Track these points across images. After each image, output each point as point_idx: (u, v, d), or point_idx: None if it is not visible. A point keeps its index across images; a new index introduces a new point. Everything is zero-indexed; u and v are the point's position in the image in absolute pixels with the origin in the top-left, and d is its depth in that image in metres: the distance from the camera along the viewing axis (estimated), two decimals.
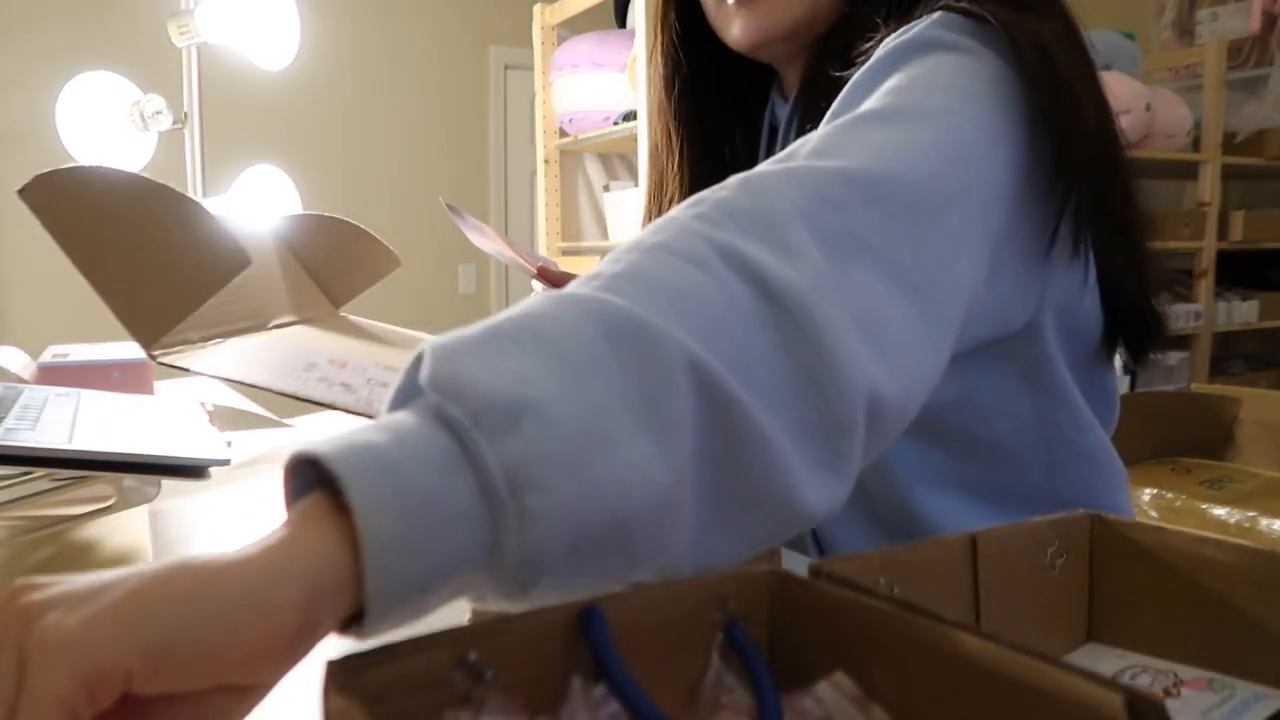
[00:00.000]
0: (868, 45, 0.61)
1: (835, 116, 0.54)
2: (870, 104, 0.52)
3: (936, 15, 0.57)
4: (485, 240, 0.84)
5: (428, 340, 0.34)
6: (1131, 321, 0.67)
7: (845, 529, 0.72)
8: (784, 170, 0.45)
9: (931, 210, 0.47)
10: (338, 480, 0.29)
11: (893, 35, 0.58)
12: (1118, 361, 0.72)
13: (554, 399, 0.32)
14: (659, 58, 0.83)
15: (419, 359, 0.33)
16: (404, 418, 0.32)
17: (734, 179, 0.45)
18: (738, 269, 0.39)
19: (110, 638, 0.26)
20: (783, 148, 0.77)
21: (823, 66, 0.68)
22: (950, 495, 0.68)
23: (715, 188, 0.44)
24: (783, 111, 0.79)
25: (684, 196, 0.82)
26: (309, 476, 0.31)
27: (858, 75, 0.57)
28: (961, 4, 0.57)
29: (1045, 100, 0.55)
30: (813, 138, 0.49)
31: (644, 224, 0.90)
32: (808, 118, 0.70)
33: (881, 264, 0.44)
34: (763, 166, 0.47)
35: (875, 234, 0.44)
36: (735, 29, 0.73)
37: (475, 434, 0.31)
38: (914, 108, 0.51)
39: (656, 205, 0.87)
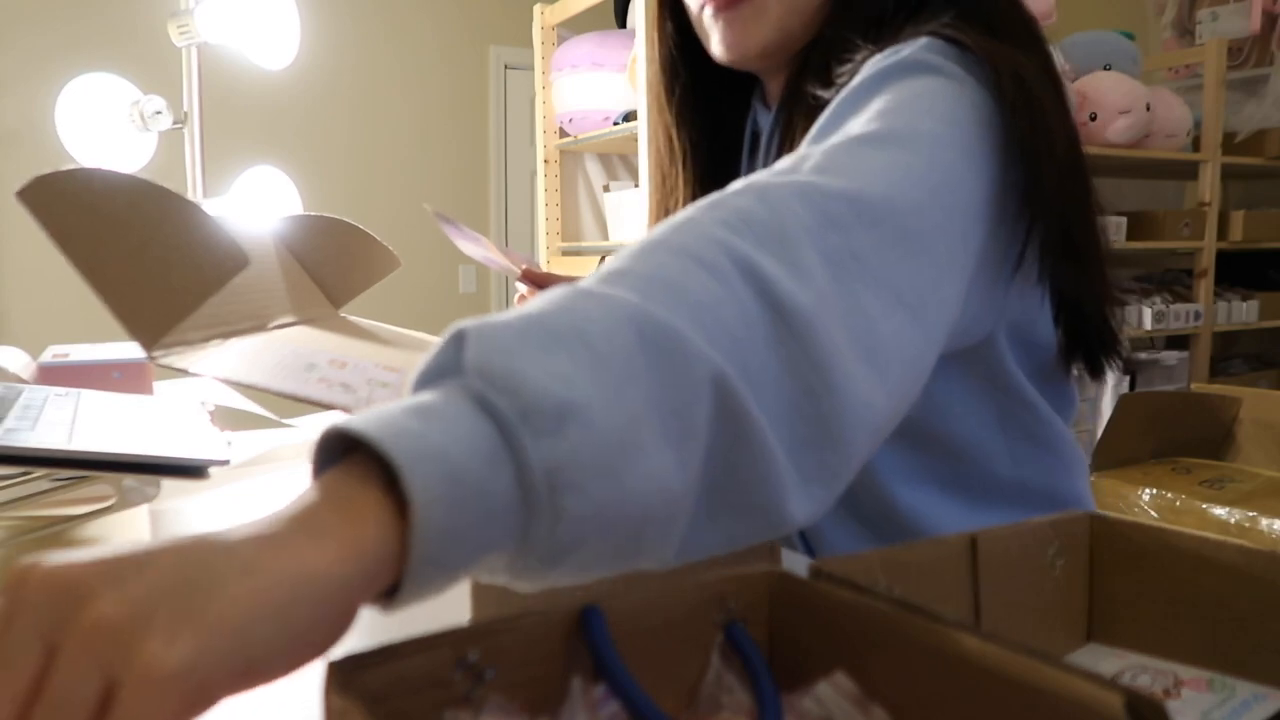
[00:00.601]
0: (847, 66, 0.63)
1: (825, 132, 0.56)
2: (864, 125, 0.53)
3: (924, 40, 0.59)
4: (473, 246, 0.84)
5: (463, 323, 0.35)
6: (1088, 340, 0.69)
7: (830, 523, 0.75)
8: (793, 185, 0.47)
9: (922, 235, 0.49)
10: (394, 469, 0.30)
11: (880, 56, 0.60)
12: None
13: (595, 405, 0.34)
14: (657, 64, 0.85)
15: (457, 338, 0.34)
16: (446, 402, 0.32)
17: (749, 186, 0.46)
18: (752, 283, 0.41)
19: (219, 662, 0.27)
20: (765, 155, 0.80)
21: (801, 83, 0.70)
22: (926, 491, 0.71)
23: (732, 192, 0.46)
24: (765, 120, 0.82)
25: (690, 196, 0.85)
26: (341, 446, 0.32)
27: (845, 93, 0.58)
28: (947, 31, 0.60)
29: (1021, 128, 0.57)
30: (813, 154, 0.51)
31: (651, 223, 0.92)
32: (788, 132, 0.72)
33: (880, 285, 0.46)
34: (771, 176, 0.48)
35: (874, 256, 0.46)
36: (715, 44, 0.76)
37: (522, 431, 0.32)
38: (904, 132, 0.52)
39: (663, 206, 0.89)
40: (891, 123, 0.53)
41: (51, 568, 0.28)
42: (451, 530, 0.30)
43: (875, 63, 0.59)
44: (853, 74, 0.61)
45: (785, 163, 0.50)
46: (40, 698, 0.26)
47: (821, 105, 0.61)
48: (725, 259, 0.41)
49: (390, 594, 0.31)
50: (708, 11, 0.75)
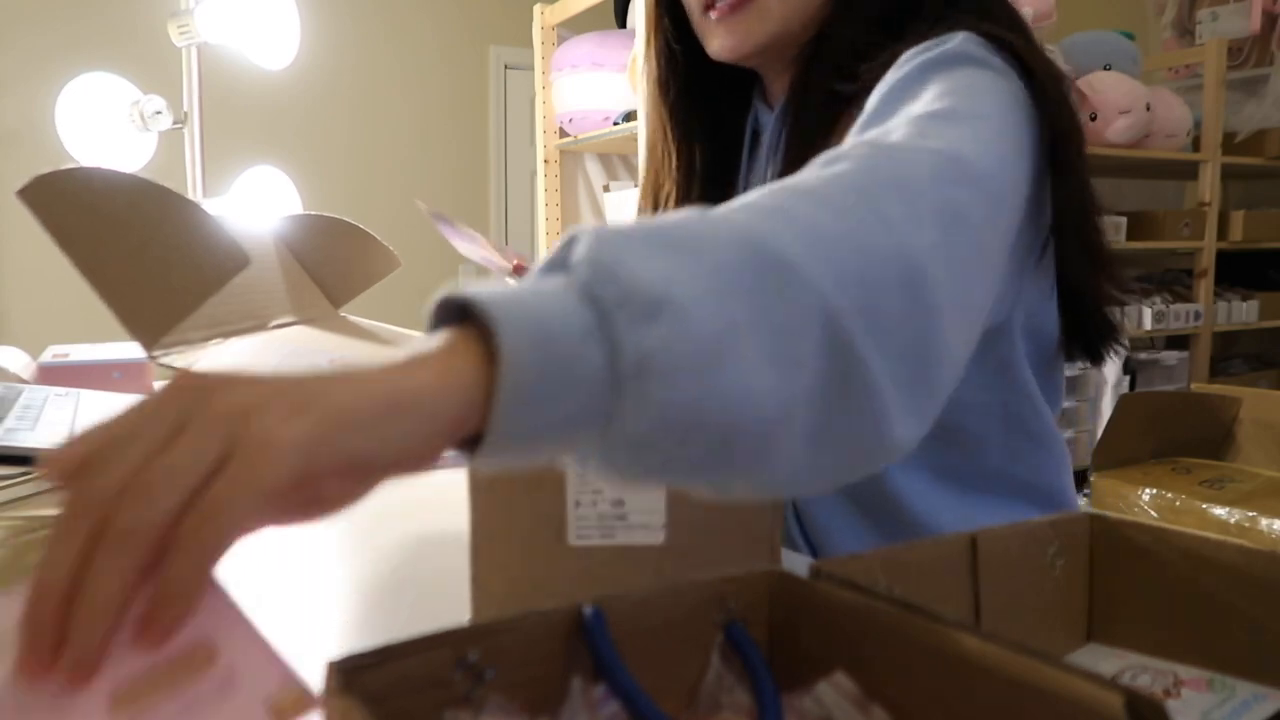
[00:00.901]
0: (872, 61, 0.66)
1: (881, 115, 0.58)
2: (930, 104, 0.55)
3: (963, 35, 0.62)
4: (468, 244, 0.84)
5: (581, 227, 0.37)
6: (1088, 329, 0.73)
7: (826, 508, 0.77)
8: (903, 145, 0.50)
9: (998, 202, 0.52)
10: (490, 323, 0.32)
11: (919, 49, 0.62)
12: (1116, 365, 0.78)
13: (694, 306, 0.35)
14: (653, 60, 0.86)
15: (571, 239, 0.36)
16: (552, 285, 0.35)
17: (866, 144, 0.49)
18: (878, 224, 0.43)
19: (327, 448, 0.30)
20: (770, 151, 0.80)
21: (813, 79, 0.73)
22: (922, 478, 0.73)
23: (849, 147, 0.48)
24: (767, 118, 0.83)
25: (680, 192, 0.86)
26: (456, 313, 0.35)
27: (892, 81, 0.60)
28: (985, 28, 0.63)
29: (1054, 123, 0.61)
30: (895, 127, 0.53)
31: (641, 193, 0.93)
32: (798, 125, 0.74)
33: (974, 241, 0.48)
34: (879, 137, 0.51)
35: (971, 214, 0.49)
36: (715, 42, 0.77)
37: (618, 314, 0.34)
38: (969, 113, 0.55)
39: (652, 201, 0.89)
40: (955, 104, 0.55)
41: (189, 374, 0.31)
42: (536, 390, 0.32)
43: (916, 54, 0.62)
44: (885, 66, 0.63)
45: (880, 132, 0.52)
46: (159, 460, 0.29)
47: (839, 99, 0.64)
48: (854, 203, 0.43)
49: (476, 449, 0.33)
50: (710, 15, 0.76)
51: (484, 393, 0.32)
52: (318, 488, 0.31)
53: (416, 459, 0.33)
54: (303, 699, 0.31)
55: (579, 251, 0.35)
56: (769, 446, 0.38)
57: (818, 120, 0.69)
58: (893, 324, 0.41)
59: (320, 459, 0.30)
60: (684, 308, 0.35)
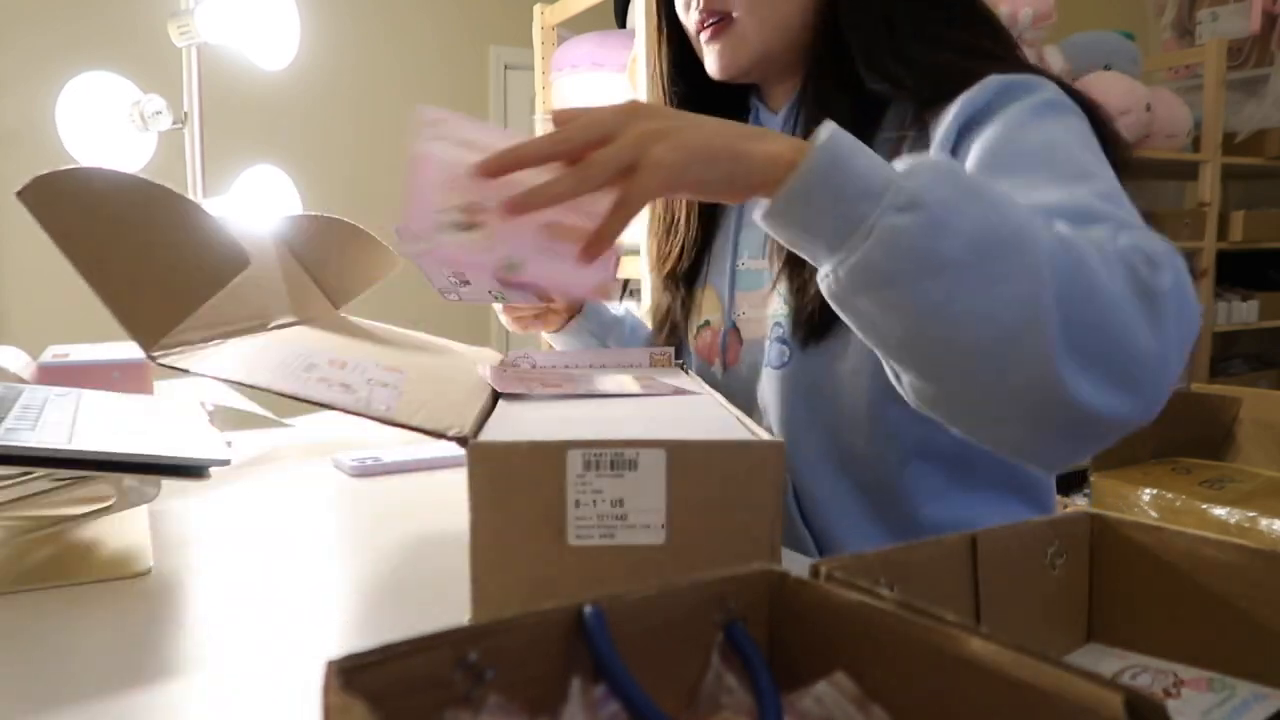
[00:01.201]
0: (921, 68, 0.74)
1: (1004, 150, 0.66)
2: (1080, 165, 0.64)
3: (1053, 85, 0.71)
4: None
5: (922, 161, 0.53)
6: None
7: (829, 498, 0.80)
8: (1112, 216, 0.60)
9: None
10: (818, 146, 0.53)
11: (1011, 85, 0.70)
12: None
13: (942, 227, 0.50)
14: (658, 80, 0.94)
15: (922, 160, 0.54)
16: (885, 164, 0.53)
17: (1101, 218, 0.59)
18: (1126, 277, 0.54)
19: (689, 172, 0.54)
20: None
21: (824, 80, 0.80)
22: (930, 467, 0.77)
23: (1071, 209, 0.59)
24: (769, 119, 0.89)
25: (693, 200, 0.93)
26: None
27: (1010, 122, 0.68)
28: (1056, 78, 0.73)
29: (1124, 165, 0.70)
30: (1089, 193, 0.61)
31: (650, 224, 0.98)
32: (818, 121, 0.78)
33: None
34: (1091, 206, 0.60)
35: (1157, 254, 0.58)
36: (709, 62, 0.85)
37: (891, 197, 0.51)
38: (1105, 179, 0.64)
39: (663, 202, 0.95)
40: (1109, 185, 0.64)
41: (629, 102, 0.56)
42: (810, 199, 0.53)
43: (1014, 90, 0.69)
44: (945, 80, 0.72)
45: (1064, 198, 0.61)
46: (593, 154, 0.54)
47: (868, 98, 0.75)
48: (1108, 254, 0.54)
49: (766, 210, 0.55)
50: (702, 36, 0.83)
51: (782, 178, 0.53)
52: (678, 188, 0.55)
53: (729, 194, 0.56)
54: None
55: (915, 160, 0.53)
56: (941, 355, 0.53)
57: (846, 116, 0.74)
58: (1092, 333, 0.52)
59: (683, 178, 0.54)
60: (933, 220, 0.50)
